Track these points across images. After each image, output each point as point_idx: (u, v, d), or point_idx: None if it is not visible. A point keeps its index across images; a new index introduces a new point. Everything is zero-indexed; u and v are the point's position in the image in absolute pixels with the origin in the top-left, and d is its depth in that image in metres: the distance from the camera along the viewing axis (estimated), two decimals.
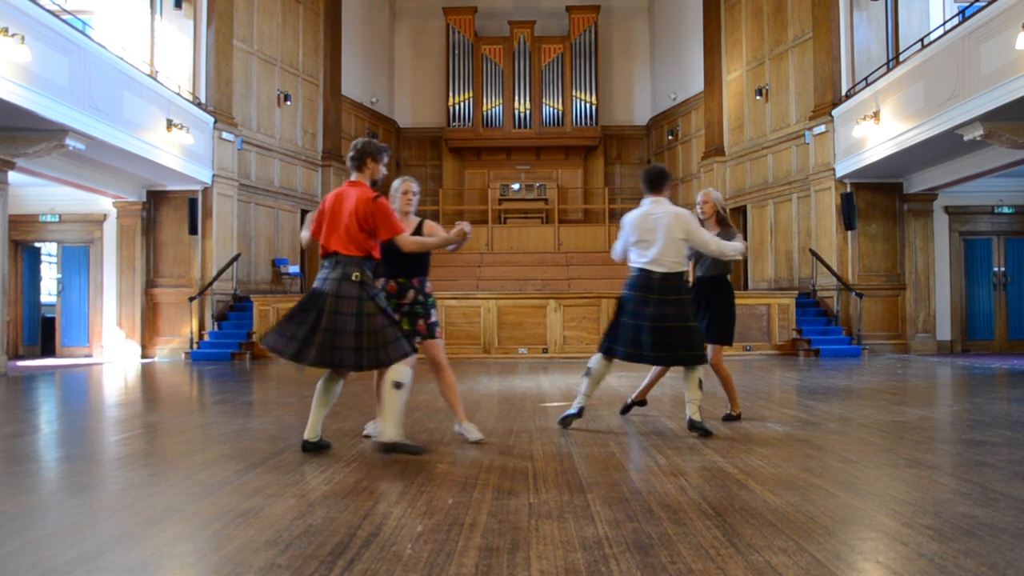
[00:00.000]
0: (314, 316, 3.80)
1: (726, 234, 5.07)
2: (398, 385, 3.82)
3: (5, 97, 7.94)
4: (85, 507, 2.94)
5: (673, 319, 4.45)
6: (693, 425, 4.47)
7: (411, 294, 4.34)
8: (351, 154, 4.07)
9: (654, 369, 5.18)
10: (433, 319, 4.39)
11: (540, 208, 18.46)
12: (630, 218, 4.66)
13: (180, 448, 4.34)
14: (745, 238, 15.51)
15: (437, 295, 13.29)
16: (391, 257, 4.21)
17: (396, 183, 4.52)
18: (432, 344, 4.37)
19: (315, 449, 4.02)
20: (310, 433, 4.02)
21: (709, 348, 5.02)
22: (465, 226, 4.08)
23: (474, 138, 19.42)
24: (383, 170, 4.11)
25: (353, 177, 4.06)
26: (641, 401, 5.40)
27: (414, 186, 4.51)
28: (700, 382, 4.53)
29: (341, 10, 16.82)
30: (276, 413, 5.74)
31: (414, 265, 4.34)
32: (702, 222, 5.16)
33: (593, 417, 5.25)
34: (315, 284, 3.94)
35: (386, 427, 3.86)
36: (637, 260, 4.60)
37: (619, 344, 4.59)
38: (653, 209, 4.57)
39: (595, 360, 4.73)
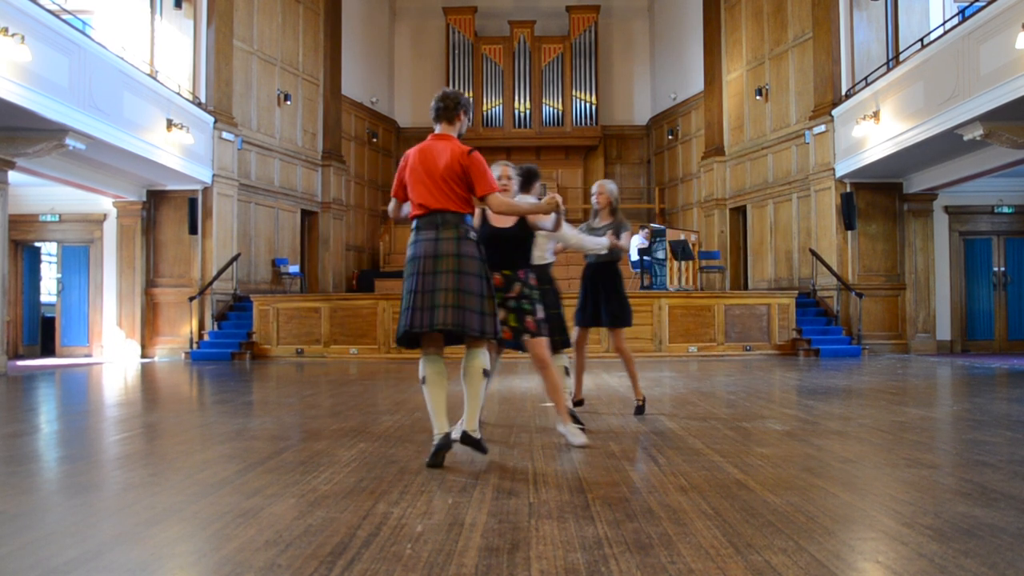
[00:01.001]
0: (436, 279, 3.50)
1: (616, 225, 5.12)
2: (487, 373, 3.72)
3: (5, 97, 7.94)
4: (85, 507, 2.94)
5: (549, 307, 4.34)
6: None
7: (517, 287, 4.07)
8: (441, 104, 3.71)
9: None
10: (540, 315, 4.11)
11: None
12: None
13: (180, 448, 4.34)
14: (745, 238, 15.59)
15: None
16: (497, 248, 3.99)
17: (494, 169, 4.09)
18: (539, 341, 4.06)
19: (475, 444, 3.68)
20: (447, 428, 3.62)
21: (612, 332, 5.25)
22: (556, 196, 3.69)
23: (474, 138, 19.40)
24: (467, 125, 3.87)
25: (439, 130, 3.72)
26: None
27: (510, 170, 4.21)
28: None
29: (341, 10, 16.83)
30: (276, 413, 5.74)
31: (520, 256, 4.09)
32: (596, 213, 5.26)
33: (593, 417, 5.25)
34: (419, 248, 3.58)
35: (471, 418, 3.68)
36: None
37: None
38: None
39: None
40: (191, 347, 12.52)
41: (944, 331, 13.01)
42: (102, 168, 11.47)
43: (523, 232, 4.08)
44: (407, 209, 3.77)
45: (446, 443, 3.54)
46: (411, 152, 3.70)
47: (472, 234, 3.63)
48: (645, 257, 14.65)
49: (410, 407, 5.55)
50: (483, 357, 3.69)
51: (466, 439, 3.69)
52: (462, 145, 3.65)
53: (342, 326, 12.23)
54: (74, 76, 9.18)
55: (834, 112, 12.82)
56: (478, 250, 3.62)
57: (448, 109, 3.71)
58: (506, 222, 4.06)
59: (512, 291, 4.06)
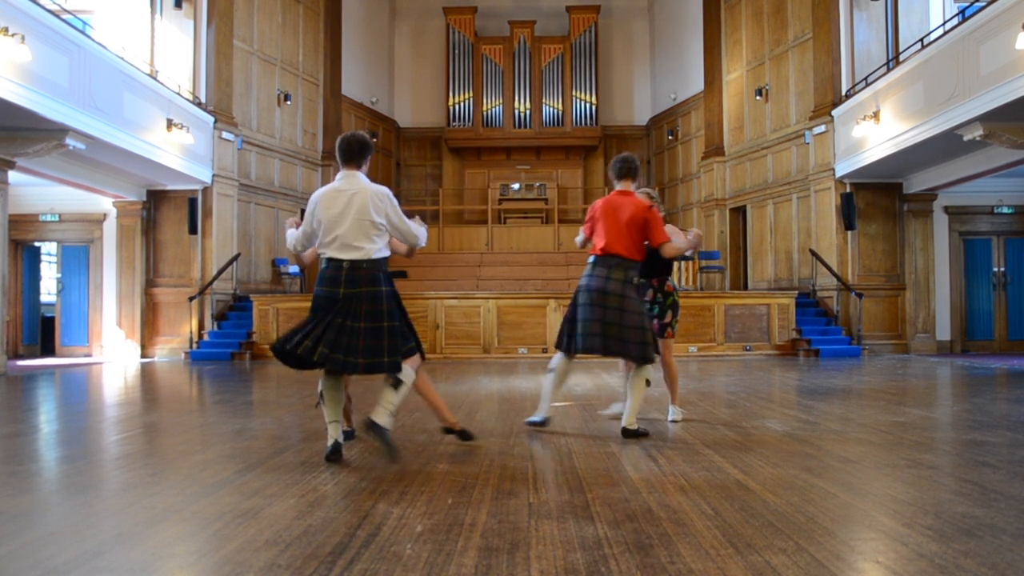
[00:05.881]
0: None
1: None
2: (648, 382, 4.52)
3: (5, 97, 7.93)
4: (85, 507, 2.94)
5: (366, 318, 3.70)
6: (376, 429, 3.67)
7: (650, 293, 4.99)
8: (620, 165, 4.74)
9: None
10: (666, 320, 4.99)
11: (540, 208, 18.46)
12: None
13: (180, 448, 4.34)
14: (745, 238, 15.58)
15: (435, 295, 13.26)
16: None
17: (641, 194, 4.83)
18: (663, 343, 4.98)
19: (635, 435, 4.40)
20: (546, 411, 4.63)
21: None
22: (698, 231, 4.70)
23: (474, 138, 19.42)
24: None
25: (619, 187, 4.70)
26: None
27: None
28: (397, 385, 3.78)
29: (341, 10, 16.82)
30: (276, 413, 5.74)
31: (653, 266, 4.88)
32: None
33: (594, 418, 5.25)
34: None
35: (631, 415, 4.42)
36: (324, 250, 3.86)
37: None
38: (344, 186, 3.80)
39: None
40: (191, 347, 12.52)
41: (944, 331, 13.01)
42: (102, 168, 11.46)
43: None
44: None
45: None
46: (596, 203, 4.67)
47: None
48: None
49: (409, 407, 5.56)
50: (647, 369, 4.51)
51: (627, 433, 4.40)
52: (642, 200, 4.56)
53: None
54: (74, 76, 9.18)
55: (834, 112, 12.82)
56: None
57: (627, 169, 4.71)
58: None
59: (646, 297, 4.95)
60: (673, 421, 5.01)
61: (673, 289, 5.07)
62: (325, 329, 3.62)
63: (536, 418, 4.74)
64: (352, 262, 3.67)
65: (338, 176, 3.83)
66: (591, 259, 4.51)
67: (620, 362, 5.28)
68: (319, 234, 3.78)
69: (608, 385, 7.51)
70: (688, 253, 5.09)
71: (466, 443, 4.18)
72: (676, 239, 4.68)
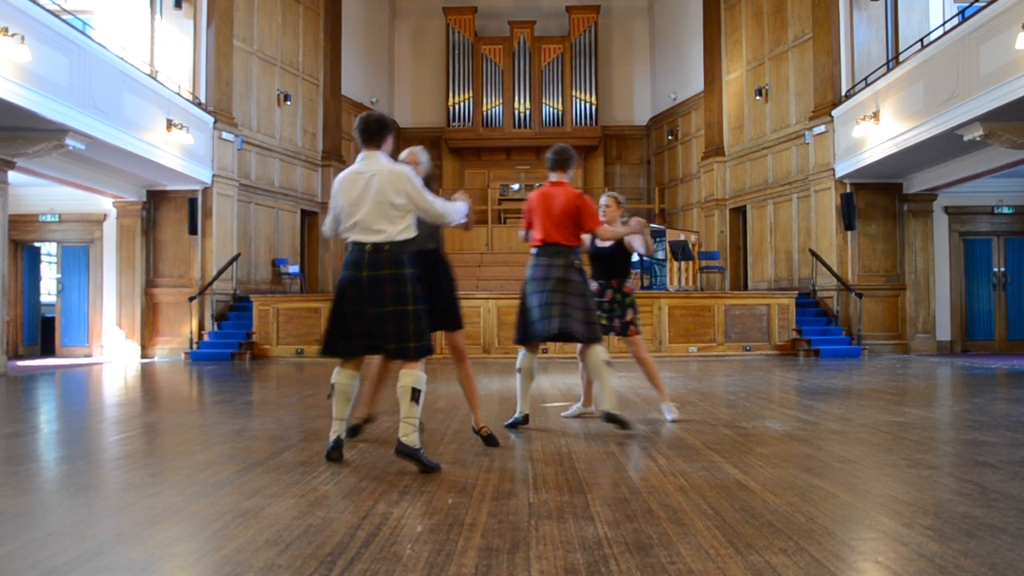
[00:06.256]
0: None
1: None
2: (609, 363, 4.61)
3: (5, 97, 7.93)
4: (85, 507, 2.94)
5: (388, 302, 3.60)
6: (401, 450, 3.50)
7: (609, 293, 5.14)
8: (553, 156, 4.65)
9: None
10: (627, 318, 5.12)
11: None
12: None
13: (180, 448, 4.34)
14: (745, 238, 15.59)
15: None
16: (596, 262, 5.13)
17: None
18: (628, 341, 5.17)
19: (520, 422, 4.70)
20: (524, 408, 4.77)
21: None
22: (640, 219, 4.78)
23: (474, 138, 19.42)
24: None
25: (553, 177, 4.66)
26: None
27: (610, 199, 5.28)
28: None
29: (341, 10, 16.82)
30: (276, 413, 5.74)
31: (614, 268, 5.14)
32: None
33: (594, 418, 5.25)
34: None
35: (609, 399, 4.50)
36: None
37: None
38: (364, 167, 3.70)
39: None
40: (191, 347, 12.52)
41: (944, 331, 13.01)
42: (102, 168, 11.46)
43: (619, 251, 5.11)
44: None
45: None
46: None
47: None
48: (645, 257, 14.65)
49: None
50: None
51: (609, 417, 4.50)
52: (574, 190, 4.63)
53: None
54: (74, 76, 9.18)
55: (834, 112, 12.82)
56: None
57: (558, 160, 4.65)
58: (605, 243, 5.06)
59: (605, 297, 5.11)
60: (672, 420, 5.01)
61: (631, 291, 5.16)
62: (351, 322, 3.61)
63: (514, 419, 4.79)
64: (374, 244, 3.58)
65: (358, 158, 3.72)
66: (533, 250, 4.62)
67: (579, 367, 5.33)
68: (342, 219, 3.70)
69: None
70: (638, 245, 5.03)
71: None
72: (615, 227, 4.80)
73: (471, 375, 4.33)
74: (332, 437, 3.73)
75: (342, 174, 3.75)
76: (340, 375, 3.74)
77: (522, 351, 4.74)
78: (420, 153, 4.40)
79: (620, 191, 19.88)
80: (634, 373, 8.92)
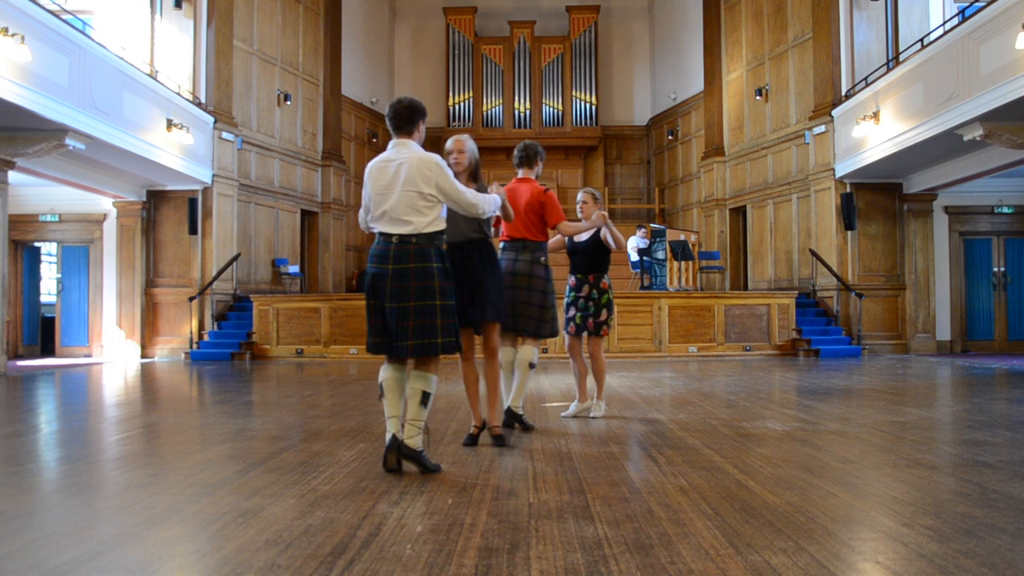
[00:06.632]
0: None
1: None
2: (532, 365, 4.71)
3: (5, 97, 7.93)
4: (85, 507, 2.94)
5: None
6: (412, 457, 3.44)
7: (586, 288, 5.14)
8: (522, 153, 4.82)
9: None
10: (601, 318, 5.11)
11: None
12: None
13: (180, 448, 4.34)
14: (745, 238, 15.59)
15: None
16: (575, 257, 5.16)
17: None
18: (592, 340, 5.19)
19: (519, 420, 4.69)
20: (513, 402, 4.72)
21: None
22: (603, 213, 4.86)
23: (474, 138, 19.38)
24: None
25: (521, 174, 4.82)
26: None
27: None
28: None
29: (341, 10, 16.82)
30: (276, 413, 5.74)
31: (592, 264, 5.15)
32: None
33: (594, 418, 5.25)
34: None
35: (516, 397, 4.65)
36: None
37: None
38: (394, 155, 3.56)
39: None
40: (191, 347, 12.52)
41: (944, 331, 13.01)
42: (102, 168, 11.46)
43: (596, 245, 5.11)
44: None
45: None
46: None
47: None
48: (645, 257, 14.65)
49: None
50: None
51: (510, 414, 4.62)
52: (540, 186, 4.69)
53: (342, 326, 12.22)
54: (74, 76, 9.18)
55: (834, 112, 12.82)
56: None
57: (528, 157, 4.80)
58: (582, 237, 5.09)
59: (582, 292, 5.13)
60: (593, 417, 5.18)
61: (608, 287, 5.16)
62: (378, 318, 3.48)
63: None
64: (401, 236, 3.41)
65: (389, 145, 3.56)
66: (501, 245, 4.70)
67: (572, 364, 5.35)
68: (371, 208, 3.53)
69: (610, 387, 7.50)
70: (610, 240, 4.94)
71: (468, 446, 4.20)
72: (578, 223, 4.89)
73: (498, 374, 4.31)
74: (388, 437, 3.46)
75: (372, 162, 3.59)
76: (385, 371, 3.58)
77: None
78: (467, 141, 4.22)
79: (620, 191, 19.94)
80: (634, 373, 8.94)
